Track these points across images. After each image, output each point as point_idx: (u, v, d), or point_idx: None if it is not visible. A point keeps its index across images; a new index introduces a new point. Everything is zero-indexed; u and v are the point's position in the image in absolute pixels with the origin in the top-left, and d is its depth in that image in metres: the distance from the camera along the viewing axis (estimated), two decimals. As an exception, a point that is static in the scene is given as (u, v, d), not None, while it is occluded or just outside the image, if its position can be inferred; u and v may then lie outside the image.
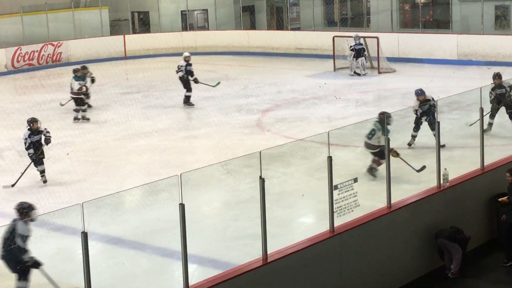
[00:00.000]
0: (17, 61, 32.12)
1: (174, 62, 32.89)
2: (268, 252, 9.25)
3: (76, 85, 21.93)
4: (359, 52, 27.59)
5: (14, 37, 32.94)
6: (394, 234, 10.82)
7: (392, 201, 10.85)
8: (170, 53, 34.96)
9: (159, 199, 13.47)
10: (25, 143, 15.66)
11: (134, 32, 37.40)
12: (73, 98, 22.06)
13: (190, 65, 23.35)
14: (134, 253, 12.05)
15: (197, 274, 9.85)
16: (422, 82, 25.17)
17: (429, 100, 16.61)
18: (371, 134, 13.80)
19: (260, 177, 9.07)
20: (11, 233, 9.52)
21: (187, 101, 23.13)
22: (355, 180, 10.23)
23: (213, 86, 23.97)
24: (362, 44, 27.82)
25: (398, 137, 16.20)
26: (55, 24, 34.25)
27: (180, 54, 34.50)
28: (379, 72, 27.97)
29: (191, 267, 8.68)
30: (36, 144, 15.63)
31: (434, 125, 14.73)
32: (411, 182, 13.47)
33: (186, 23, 37.17)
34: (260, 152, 9.09)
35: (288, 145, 16.65)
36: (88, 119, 21.73)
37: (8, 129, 20.75)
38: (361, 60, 27.56)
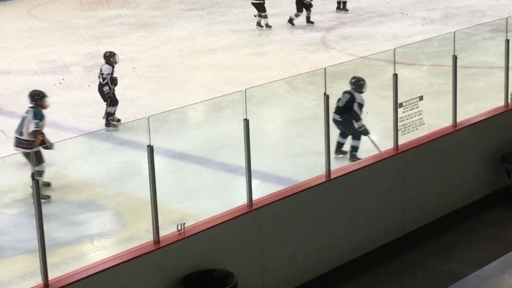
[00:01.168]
0: (83, -23, 32.17)
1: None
2: (332, 169, 9.28)
3: None
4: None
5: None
6: (459, 153, 10.74)
7: (458, 120, 10.74)
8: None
9: (224, 115, 13.57)
10: (104, 80, 14.32)
11: None
12: (253, 4, 22.41)
13: None
14: (198, 168, 12.22)
15: (260, 189, 9.96)
16: (491, -1, 24.62)
17: None
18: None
19: (325, 93, 9.05)
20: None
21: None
22: (421, 98, 10.12)
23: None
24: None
25: (466, 56, 15.94)
26: None
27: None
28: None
29: (254, 183, 8.76)
30: (115, 80, 14.54)
31: None
32: (478, 101, 13.31)
33: None
34: (324, 69, 9.04)
35: (353, 62, 16.51)
36: (270, 27, 22.12)
37: (75, 44, 20.95)
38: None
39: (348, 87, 11.99)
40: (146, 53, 19.77)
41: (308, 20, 22.36)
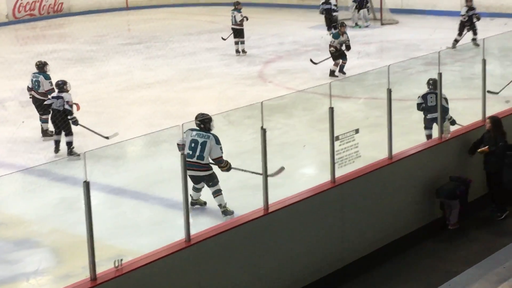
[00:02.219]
0: (18, 11, 31.95)
1: (176, 13, 32.93)
2: (270, 202, 9.30)
3: (239, 17, 23.13)
4: (361, 3, 27.41)
5: (15, -13, 32.75)
6: (394, 185, 10.86)
7: (393, 152, 10.87)
8: (172, 3, 34.76)
9: (161, 149, 13.53)
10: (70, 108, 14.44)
11: (136, -18, 37.15)
12: (234, 29, 23.22)
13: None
14: (136, 203, 12.13)
15: (198, 224, 9.92)
16: (425, 33, 25.12)
17: (474, 8, 21.86)
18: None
19: (262, 127, 9.08)
20: None
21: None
22: (357, 131, 10.22)
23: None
24: (365, -4, 27.63)
25: (401, 89, 16.18)
26: (56, -26, 34.02)
27: (182, 5, 34.53)
28: (382, 24, 27.82)
29: (192, 217, 8.72)
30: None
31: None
32: (413, 134, 13.50)
33: (189, -27, 36.88)
34: (262, 102, 9.08)
35: (290, 96, 16.65)
36: (245, 52, 23.03)
37: (10, 79, 20.74)
38: (363, 11, 27.40)
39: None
40: (83, 87, 19.61)
41: (341, 70, 19.97)
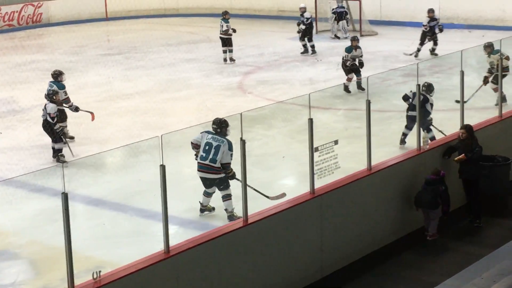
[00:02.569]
0: (-3, 22, 31.83)
1: (155, 24, 32.92)
2: (249, 213, 9.30)
3: (225, 26, 23.44)
4: (340, 15, 27.51)
5: (-7, -2, 32.63)
6: (374, 196, 10.90)
7: (372, 163, 10.91)
8: (151, 14, 34.75)
9: (140, 160, 13.47)
10: (54, 119, 14.41)
11: (116, -7, 37.10)
12: (222, 38, 23.61)
13: None
14: (115, 215, 12.08)
15: (178, 235, 9.90)
16: (404, 45, 25.24)
17: (436, 19, 22.70)
18: None
19: (241, 138, 9.09)
20: None
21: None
22: (336, 142, 10.26)
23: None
24: (344, 7, 27.73)
25: (380, 100, 16.25)
26: (35, -16, 33.93)
27: (162, 16, 34.53)
28: (361, 35, 27.88)
29: (172, 229, 8.72)
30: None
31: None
32: (392, 145, 13.56)
33: (168, -16, 36.91)
34: (241, 114, 9.09)
35: (270, 107, 16.66)
36: (233, 60, 23.46)
37: (-12, 90, 20.64)
38: (342, 23, 27.49)
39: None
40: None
41: (359, 86, 18.63)
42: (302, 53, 24.40)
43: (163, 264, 8.43)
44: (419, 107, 11.90)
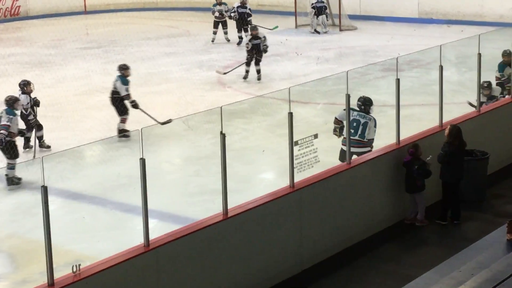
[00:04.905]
0: (-25, 15, 31.62)
1: (134, 18, 32.82)
2: (229, 207, 9.31)
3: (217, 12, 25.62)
4: (320, 9, 27.55)
5: (-29, -10, 32.39)
6: (353, 190, 10.93)
7: (352, 157, 10.94)
8: (130, 8, 34.62)
9: (120, 154, 13.48)
10: (27, 110, 14.60)
11: (94, -14, 36.91)
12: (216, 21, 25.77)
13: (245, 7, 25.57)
14: (94, 208, 12.07)
15: (157, 229, 9.89)
16: (383, 39, 25.35)
17: (259, 37, 20.18)
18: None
19: (221, 132, 9.09)
20: None
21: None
22: (316, 136, 10.28)
23: (271, 29, 25.75)
24: (323, 2, 27.77)
25: (359, 94, 16.28)
26: (14, -23, 33.73)
27: (141, 9, 34.42)
28: (341, 30, 27.99)
29: (151, 222, 8.71)
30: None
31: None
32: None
33: (147, -23, 36.80)
34: (221, 107, 9.10)
35: (249, 101, 16.69)
36: (228, 40, 25.62)
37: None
38: (321, 17, 27.53)
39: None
40: (40, 92, 19.39)
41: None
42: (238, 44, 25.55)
43: (143, 257, 8.42)
44: (398, 99, 11.88)
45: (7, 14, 32.62)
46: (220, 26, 26.00)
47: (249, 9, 25.72)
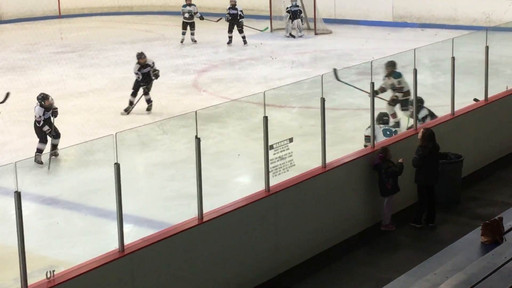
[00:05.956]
0: None
1: (109, 22, 32.70)
2: (204, 211, 9.29)
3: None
4: (295, 14, 27.61)
5: None
6: (328, 193, 10.95)
7: (327, 161, 10.96)
8: (105, 12, 34.48)
9: (95, 159, 13.41)
10: (40, 122, 14.49)
11: (69, -10, 36.73)
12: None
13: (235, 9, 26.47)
14: (69, 213, 12.01)
15: (133, 234, 9.86)
16: (357, 43, 25.44)
17: (149, 65, 17.83)
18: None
19: (196, 136, 9.08)
20: None
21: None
22: (291, 140, 10.29)
23: (262, 31, 26.93)
24: (298, 6, 27.83)
25: (334, 98, 16.35)
26: (-13, -19, 33.50)
27: (115, 13, 34.30)
28: (316, 34, 28.05)
29: (126, 227, 8.67)
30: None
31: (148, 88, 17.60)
32: (347, 142, 13.64)
33: (122, -19, 36.71)
34: (196, 112, 9.08)
35: (224, 105, 16.68)
36: (195, 41, 26.60)
37: None
38: (297, 21, 27.59)
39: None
40: (14, 96, 19.29)
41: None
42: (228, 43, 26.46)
43: (118, 263, 8.38)
44: (373, 104, 11.92)
45: (-20, 18, 32.38)
46: (188, 27, 26.71)
47: (241, 11, 26.55)
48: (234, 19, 26.47)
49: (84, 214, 11.91)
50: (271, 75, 21.18)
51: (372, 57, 21.80)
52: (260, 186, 10.15)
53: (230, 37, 26.51)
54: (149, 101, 17.82)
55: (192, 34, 26.74)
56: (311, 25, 28.61)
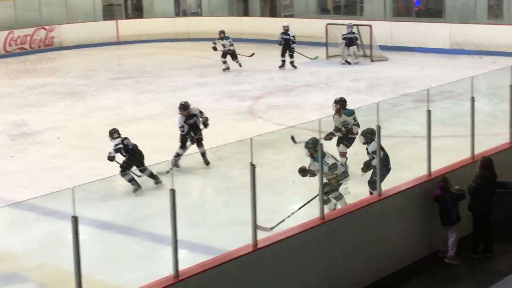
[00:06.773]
0: (9, 45, 31.99)
1: (166, 48, 33.08)
2: (258, 238, 9.27)
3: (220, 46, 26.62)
4: (351, 40, 27.58)
5: (6, 21, 32.80)
6: (384, 221, 10.84)
7: (383, 189, 10.87)
8: (162, 38, 34.89)
9: (150, 184, 13.48)
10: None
11: (127, 17, 37.26)
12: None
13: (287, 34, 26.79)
14: (124, 238, 12.08)
15: (187, 259, 9.87)
16: (414, 70, 25.30)
17: (195, 114, 15.39)
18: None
19: (251, 163, 9.08)
20: None
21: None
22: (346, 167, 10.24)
23: (312, 59, 27.38)
24: (354, 33, 27.80)
25: (390, 126, 16.24)
26: (48, 8, 34.15)
27: (172, 40, 34.70)
28: (372, 60, 27.99)
29: (181, 253, 8.69)
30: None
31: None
32: (403, 170, 13.51)
33: (179, 8, 37.08)
34: (251, 138, 9.10)
35: (280, 132, 16.68)
36: (240, 65, 26.72)
37: (0, 112, 20.74)
38: (352, 48, 27.56)
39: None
40: (72, 121, 19.64)
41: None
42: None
43: (172, 288, 8.40)
44: (429, 131, 11.79)
45: (41, 45, 32.99)
46: (228, 56, 26.76)
47: (293, 36, 26.86)
48: (287, 44, 26.84)
49: (139, 239, 11.98)
50: (326, 101, 21.05)
51: (428, 84, 21.70)
52: (314, 214, 10.10)
53: (283, 61, 26.90)
54: (204, 155, 15.36)
55: (236, 62, 26.85)
56: (367, 51, 28.57)
